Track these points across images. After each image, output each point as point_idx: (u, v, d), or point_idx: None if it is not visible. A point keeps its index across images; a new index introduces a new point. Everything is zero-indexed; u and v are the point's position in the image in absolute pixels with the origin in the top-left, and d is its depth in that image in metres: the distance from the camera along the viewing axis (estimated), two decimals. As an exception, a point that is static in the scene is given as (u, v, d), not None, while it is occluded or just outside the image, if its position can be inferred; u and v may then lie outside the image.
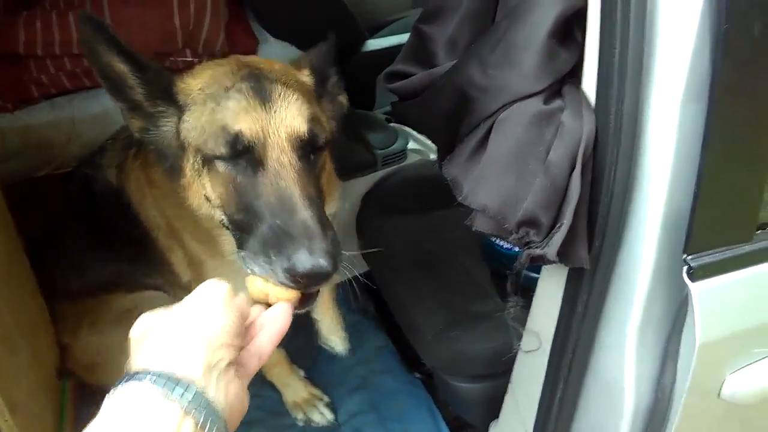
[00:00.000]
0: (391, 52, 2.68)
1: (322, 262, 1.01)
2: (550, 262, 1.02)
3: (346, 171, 2.35)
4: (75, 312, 1.79)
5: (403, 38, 1.59)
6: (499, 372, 1.62)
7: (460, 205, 2.24)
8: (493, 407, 1.68)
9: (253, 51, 2.43)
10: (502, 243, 1.86)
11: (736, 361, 1.11)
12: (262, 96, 1.17)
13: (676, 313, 1.11)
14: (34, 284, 1.71)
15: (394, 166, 2.40)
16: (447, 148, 1.19)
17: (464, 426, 2.00)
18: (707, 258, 1.01)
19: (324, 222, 1.09)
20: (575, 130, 0.99)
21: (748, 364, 1.12)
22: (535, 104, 1.01)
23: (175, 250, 1.83)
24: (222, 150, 1.16)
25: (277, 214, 1.09)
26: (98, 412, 0.70)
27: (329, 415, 1.96)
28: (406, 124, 1.48)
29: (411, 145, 2.58)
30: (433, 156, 2.58)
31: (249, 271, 1.09)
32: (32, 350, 1.55)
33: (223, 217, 1.24)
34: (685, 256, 1.00)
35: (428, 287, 1.89)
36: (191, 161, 1.25)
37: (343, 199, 2.06)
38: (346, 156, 2.38)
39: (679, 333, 1.11)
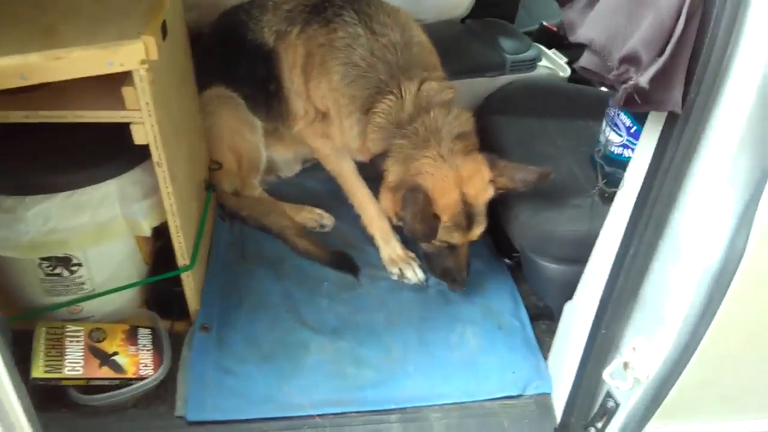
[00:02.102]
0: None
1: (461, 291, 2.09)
2: (644, 101, 1.13)
3: (474, 70, 2.50)
4: None
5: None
6: (581, 258, 1.73)
7: (578, 118, 2.31)
8: (569, 289, 1.80)
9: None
10: (613, 149, 1.94)
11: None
12: (469, 227, 1.96)
13: (759, 179, 1.18)
14: (197, 104, 2.04)
15: (522, 74, 2.51)
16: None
17: (540, 316, 2.14)
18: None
19: (467, 268, 2.05)
20: (690, -24, 1.07)
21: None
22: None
23: (304, 112, 2.21)
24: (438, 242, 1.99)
25: (453, 264, 2.03)
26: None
27: (421, 275, 2.17)
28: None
29: (543, 62, 2.67)
30: (561, 74, 2.65)
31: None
32: (189, 152, 1.88)
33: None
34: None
35: (532, 179, 2.01)
36: None
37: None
38: (476, 56, 2.53)
39: (759, 199, 1.17)
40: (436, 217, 1.90)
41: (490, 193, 1.94)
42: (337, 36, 2.05)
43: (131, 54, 1.31)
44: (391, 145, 1.98)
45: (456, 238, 1.97)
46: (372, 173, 2.15)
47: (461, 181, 1.90)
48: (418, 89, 1.99)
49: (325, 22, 2.09)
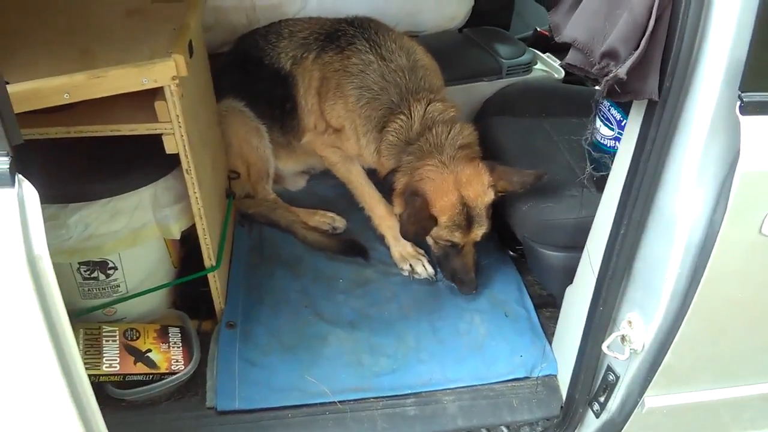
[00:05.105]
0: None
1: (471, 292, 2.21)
2: (623, 91, 1.26)
3: (473, 75, 2.65)
4: None
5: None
6: (579, 244, 1.86)
7: (572, 116, 2.45)
8: (569, 275, 1.93)
9: None
10: (605, 142, 2.07)
11: (779, 200, 1.29)
12: (469, 227, 2.10)
13: (732, 159, 1.31)
14: (216, 117, 2.19)
15: (519, 77, 2.65)
16: (555, 4, 1.45)
17: (544, 304, 2.26)
18: (758, 97, 1.20)
19: (475, 271, 2.19)
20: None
21: (791, 206, 1.29)
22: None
23: (314, 126, 2.42)
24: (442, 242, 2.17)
25: (460, 265, 2.17)
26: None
27: (430, 269, 2.31)
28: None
29: (538, 65, 2.82)
30: (556, 76, 2.79)
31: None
32: (212, 160, 2.02)
33: None
34: (739, 93, 1.20)
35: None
36: None
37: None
38: (475, 62, 2.68)
39: (732, 176, 1.30)
40: (432, 218, 2.06)
41: (490, 196, 2.08)
42: (351, 62, 2.27)
43: (164, 71, 1.46)
44: (400, 161, 2.18)
45: (457, 238, 2.11)
46: (384, 185, 2.34)
47: (460, 185, 2.06)
48: (425, 110, 2.18)
49: (339, 49, 2.31)
